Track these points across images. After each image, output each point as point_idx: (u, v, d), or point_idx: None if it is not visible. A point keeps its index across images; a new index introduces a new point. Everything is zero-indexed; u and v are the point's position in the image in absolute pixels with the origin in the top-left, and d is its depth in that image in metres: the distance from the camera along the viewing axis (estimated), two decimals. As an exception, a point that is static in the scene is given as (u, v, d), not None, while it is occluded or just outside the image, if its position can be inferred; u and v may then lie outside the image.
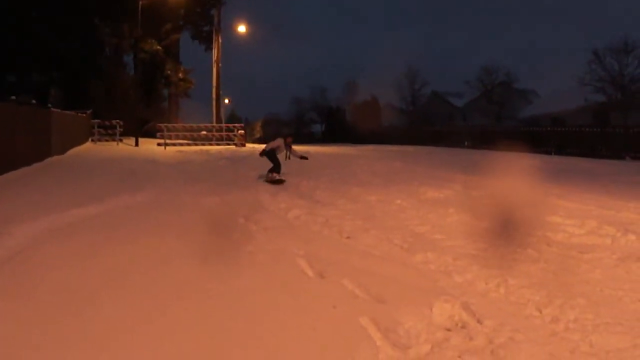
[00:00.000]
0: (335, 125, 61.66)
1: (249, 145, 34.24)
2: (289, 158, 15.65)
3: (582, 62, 45.17)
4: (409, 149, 34.84)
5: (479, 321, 4.88)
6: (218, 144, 33.29)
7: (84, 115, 30.86)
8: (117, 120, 31.75)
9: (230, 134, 34.39)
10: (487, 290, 5.79)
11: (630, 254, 7.12)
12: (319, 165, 19.41)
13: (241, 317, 4.91)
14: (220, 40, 40.80)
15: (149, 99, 41.35)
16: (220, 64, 40.60)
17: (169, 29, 43.44)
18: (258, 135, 62.12)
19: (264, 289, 5.70)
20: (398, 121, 61.84)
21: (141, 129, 34.04)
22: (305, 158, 15.93)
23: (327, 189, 13.06)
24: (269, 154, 15.13)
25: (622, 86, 42.23)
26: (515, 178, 15.73)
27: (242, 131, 34.42)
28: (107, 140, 31.82)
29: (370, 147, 37.85)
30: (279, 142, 15.46)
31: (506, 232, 8.43)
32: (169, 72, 44.46)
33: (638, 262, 6.71)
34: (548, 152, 29.97)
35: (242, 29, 42.02)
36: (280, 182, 14.59)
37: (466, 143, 39.17)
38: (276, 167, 15.06)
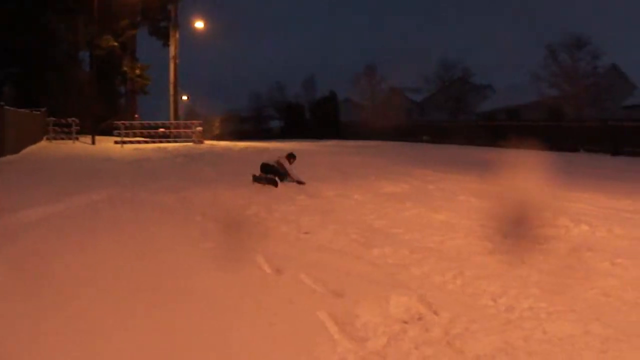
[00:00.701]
0: (295, 121, 61.58)
1: (208, 142, 34.01)
2: (282, 180, 13.52)
3: (537, 57, 45.82)
4: (368, 144, 34.97)
5: (435, 313, 4.93)
6: (176, 141, 33.00)
7: (39, 113, 30.33)
8: (73, 119, 31.27)
9: (189, 130, 34.14)
10: (443, 283, 5.84)
11: (582, 243, 7.28)
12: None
13: (196, 314, 4.89)
14: (177, 36, 40.43)
15: (105, 96, 40.76)
16: (178, 60, 40.22)
17: (125, 24, 42.89)
18: (217, 132, 61.65)
19: (220, 285, 5.68)
20: (357, 116, 61.97)
21: (98, 127, 33.57)
22: (303, 183, 13.55)
23: (285, 184, 13.05)
24: (275, 171, 13.54)
25: (576, 81, 42.96)
26: (472, 171, 15.94)
27: (200, 128, 34.18)
28: (63, 139, 31.27)
29: (330, 142, 37.91)
30: (286, 161, 13.96)
31: (463, 225, 8.55)
32: (125, 68, 43.94)
33: (590, 252, 6.87)
34: (505, 146, 30.31)
35: (199, 24, 41.73)
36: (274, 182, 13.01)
37: (425, 138, 39.43)
38: (283, 179, 13.46)
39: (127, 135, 31.30)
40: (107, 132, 34.53)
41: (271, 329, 4.60)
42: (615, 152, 25.13)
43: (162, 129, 34.27)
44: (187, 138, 33.60)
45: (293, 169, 13.87)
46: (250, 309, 5.02)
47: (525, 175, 14.18)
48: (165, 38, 43.71)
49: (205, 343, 4.32)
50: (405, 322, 4.76)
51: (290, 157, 14.07)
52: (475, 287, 5.66)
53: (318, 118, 58.66)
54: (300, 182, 13.44)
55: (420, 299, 5.17)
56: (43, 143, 29.44)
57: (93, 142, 30.51)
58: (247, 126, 63.38)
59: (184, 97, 60.31)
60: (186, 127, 34.80)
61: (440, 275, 6.02)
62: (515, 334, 4.51)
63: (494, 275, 6.00)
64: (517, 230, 8.13)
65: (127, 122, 32.52)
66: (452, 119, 54.22)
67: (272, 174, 13.32)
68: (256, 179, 13.38)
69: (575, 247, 7.14)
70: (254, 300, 5.23)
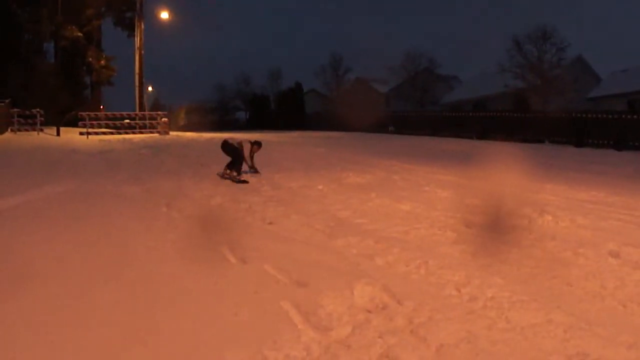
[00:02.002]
0: (260, 112, 61.44)
1: (173, 133, 33.78)
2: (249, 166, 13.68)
3: (502, 49, 46.09)
4: (333, 134, 35.00)
5: (399, 302, 4.93)
6: (141, 132, 32.71)
7: (3, 104, 29.82)
8: (38, 110, 30.78)
9: (154, 122, 33.85)
10: (407, 272, 5.85)
11: (545, 233, 7.36)
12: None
13: (159, 304, 4.85)
14: (142, 27, 39.95)
15: (70, 88, 40.24)
16: (143, 51, 39.77)
17: (90, 14, 42.39)
18: (182, 123, 61.26)
19: (184, 276, 5.63)
20: (322, 107, 61.98)
21: (63, 118, 33.15)
22: (258, 172, 13.71)
23: (249, 175, 13.00)
24: (233, 151, 13.14)
25: (541, 72, 43.35)
26: (437, 162, 16.02)
27: (166, 119, 33.92)
28: (27, 130, 30.77)
29: (295, 133, 37.88)
30: (248, 147, 13.67)
31: (428, 215, 8.58)
32: (90, 59, 43.42)
33: (553, 241, 6.95)
34: (471, 137, 30.55)
35: (164, 15, 41.35)
36: (244, 182, 12.39)
37: (391, 128, 39.55)
38: (237, 164, 12.92)
39: (92, 126, 30.95)
40: (72, 124, 34.14)
41: (235, 319, 4.57)
42: (580, 144, 25.43)
43: (127, 120, 33.96)
44: (152, 129, 33.32)
45: (253, 156, 13.82)
46: (215, 299, 4.98)
47: (490, 166, 14.31)
48: (130, 29, 43.31)
49: (167, 333, 4.28)
50: (369, 312, 4.76)
51: (255, 144, 13.86)
52: (439, 276, 5.67)
53: (283, 109, 58.61)
54: (254, 170, 13.63)
55: (384, 288, 5.16)
56: (7, 135, 28.98)
57: (58, 134, 30.10)
58: (213, 117, 62.84)
59: (150, 88, 59.93)
60: (151, 118, 34.48)
61: (405, 265, 6.03)
62: (478, 323, 4.53)
63: (457, 265, 6.03)
64: (481, 221, 8.19)
65: (92, 113, 32.16)
66: (418, 109, 54.39)
67: (229, 154, 13.14)
68: (222, 176, 12.95)
69: (538, 237, 7.20)
70: (218, 291, 5.20)
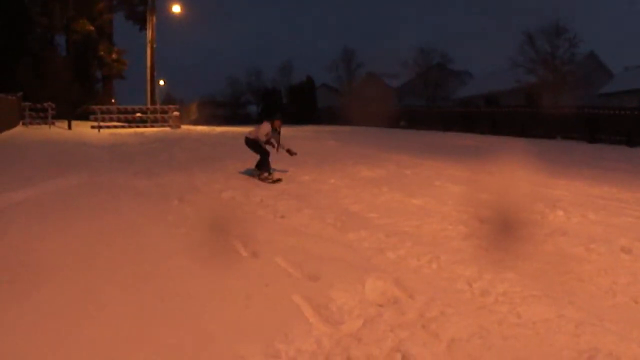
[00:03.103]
0: (272, 106, 61.45)
1: (185, 127, 33.81)
2: (277, 150, 12.19)
3: (515, 44, 45.88)
4: (345, 129, 34.96)
5: (410, 296, 4.94)
6: (153, 126, 32.71)
7: (14, 98, 29.89)
8: (49, 103, 30.83)
9: (165, 115, 33.86)
10: (419, 267, 5.86)
11: (557, 229, 7.33)
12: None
13: (170, 298, 4.87)
14: (154, 21, 39.98)
15: (81, 81, 40.30)
16: (154, 45, 39.81)
17: (102, 8, 42.46)
18: (194, 117, 61.30)
19: (195, 269, 5.64)
20: (334, 102, 61.90)
21: (74, 112, 33.18)
22: (294, 153, 12.32)
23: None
24: (253, 145, 11.95)
25: (554, 67, 43.19)
26: (448, 157, 15.99)
27: (177, 113, 33.91)
28: (39, 124, 30.81)
29: (307, 127, 37.83)
30: (266, 127, 11.91)
31: (439, 210, 8.57)
32: (102, 53, 43.48)
33: (564, 237, 6.93)
34: (482, 132, 30.45)
35: (176, 9, 41.28)
36: (278, 181, 11.45)
37: (402, 123, 39.48)
38: (264, 162, 11.79)
39: (103, 120, 30.95)
40: (84, 117, 34.14)
41: (247, 312, 4.60)
42: (592, 140, 25.31)
43: (138, 114, 33.97)
44: (164, 123, 33.33)
45: (279, 135, 12.25)
46: (226, 292, 5.00)
47: (502, 161, 14.25)
48: (142, 22, 43.33)
49: (180, 326, 4.31)
50: (381, 306, 4.78)
51: (276, 119, 12.21)
52: (450, 271, 5.68)
53: (295, 103, 58.55)
54: (291, 152, 12.22)
55: (396, 282, 5.18)
56: (19, 128, 29.06)
57: (69, 127, 30.17)
58: (225, 111, 62.91)
59: (161, 82, 60.02)
60: (163, 112, 34.48)
61: (416, 260, 6.03)
62: (490, 318, 4.54)
63: (469, 259, 6.02)
64: (493, 216, 8.17)
65: (103, 107, 32.20)
66: (430, 105, 54.26)
67: (252, 149, 12.01)
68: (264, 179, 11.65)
69: (550, 232, 7.19)
70: (230, 284, 5.21)
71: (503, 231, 7.32)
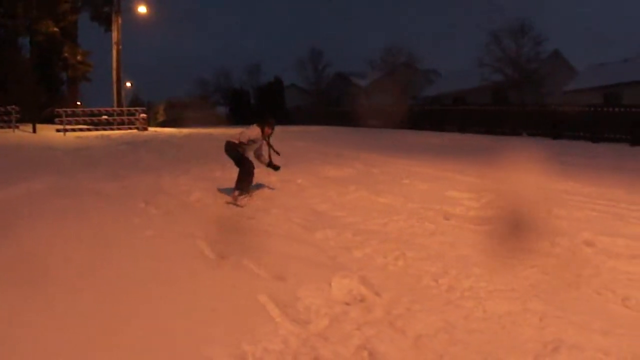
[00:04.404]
0: (240, 107, 61.26)
1: (152, 129, 33.61)
2: (267, 162, 10.36)
3: (482, 43, 46.40)
4: (313, 129, 34.94)
5: (377, 294, 4.96)
6: (119, 129, 32.40)
7: (-24, 101, 29.47)
8: (13, 106, 30.40)
9: (132, 117, 33.60)
10: (385, 264, 5.89)
11: (523, 224, 7.41)
12: (220, 148, 19.20)
13: (138, 299, 4.85)
14: (120, 22, 39.58)
15: (46, 84, 39.77)
16: (120, 46, 39.40)
17: (66, 9, 41.85)
18: (161, 119, 60.98)
19: (163, 272, 5.63)
20: (302, 102, 61.98)
21: (39, 115, 32.77)
22: (276, 168, 10.39)
23: (228, 169, 12.91)
24: (236, 153, 9.80)
25: (519, 66, 43.72)
26: (416, 155, 16.07)
27: (144, 115, 33.67)
28: (2, 128, 30.38)
29: (275, 127, 37.74)
30: (255, 132, 9.88)
31: (406, 207, 8.61)
32: (66, 54, 42.87)
33: (530, 232, 6.99)
34: (450, 130, 30.66)
35: (142, 9, 40.95)
36: (239, 206, 9.14)
37: (371, 122, 39.57)
38: (245, 180, 9.57)
39: (69, 123, 30.63)
40: (49, 120, 33.69)
41: (213, 313, 4.58)
42: (556, 136, 25.61)
43: (105, 117, 33.65)
44: (130, 125, 33.06)
45: (269, 144, 10.26)
46: (193, 294, 4.99)
47: (468, 158, 14.39)
48: (107, 23, 42.76)
49: (146, 328, 4.28)
50: (347, 304, 4.79)
51: (268, 124, 10.10)
52: (416, 268, 5.72)
53: (263, 103, 58.45)
54: (273, 166, 10.38)
55: (362, 280, 5.19)
56: (-19, 132, 28.65)
57: (34, 131, 29.78)
58: (193, 112, 62.67)
59: (128, 84, 59.56)
60: (130, 114, 34.20)
61: (383, 257, 6.07)
62: (455, 313, 4.58)
63: (435, 256, 6.08)
64: (459, 212, 8.24)
65: (69, 110, 31.85)
66: (398, 103, 54.50)
67: (233, 158, 9.87)
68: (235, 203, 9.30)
69: (515, 227, 7.27)
70: (197, 286, 5.20)
71: (469, 227, 7.39)
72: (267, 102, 57.01)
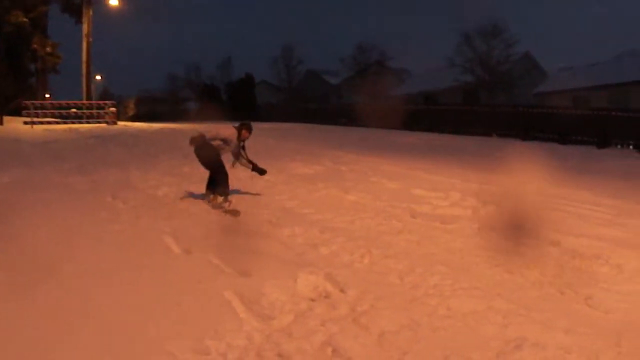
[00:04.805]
0: (211, 103, 60.90)
1: (121, 123, 33.30)
2: (234, 165, 9.22)
3: (454, 43, 46.58)
4: (284, 126, 34.89)
5: (342, 291, 4.97)
6: (88, 122, 32.07)
7: (-59, 92, 28.97)
8: (-21, 98, 30.00)
9: (102, 111, 33.25)
10: (351, 261, 5.91)
11: (488, 223, 7.46)
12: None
13: (103, 295, 4.80)
14: (90, 13, 39.10)
15: (14, 75, 39.22)
16: (91, 39, 38.95)
17: (37, 0, 41.37)
18: (131, 113, 60.43)
19: (128, 266, 5.59)
20: (274, 99, 61.82)
21: (6, 107, 32.33)
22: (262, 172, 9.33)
23: (197, 165, 12.81)
24: (208, 153, 8.79)
25: (490, 67, 44.02)
26: (385, 154, 16.10)
27: (114, 108, 33.34)
28: (-32, 120, 30.01)
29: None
30: (230, 131, 8.94)
31: (373, 205, 8.63)
32: (36, 46, 42.34)
33: (495, 231, 7.06)
34: (420, 129, 30.78)
35: (114, 1, 40.50)
36: (235, 213, 8.23)
37: (342, 120, 39.60)
38: (222, 181, 8.69)
39: (37, 115, 30.21)
40: (16, 113, 33.26)
41: (178, 309, 4.56)
42: (526, 137, 25.83)
43: (74, 110, 33.25)
44: (100, 119, 32.71)
45: (244, 148, 9.34)
46: (157, 290, 4.95)
47: (438, 157, 14.47)
48: (78, 15, 42.21)
49: (110, 323, 4.24)
50: (313, 300, 4.79)
51: (243, 127, 9.13)
52: (382, 265, 5.75)
53: (234, 100, 58.15)
54: (257, 169, 9.33)
55: (328, 277, 5.20)
56: (-54, 125, 28.22)
57: (1, 123, 29.40)
58: (163, 107, 62.18)
59: (98, 77, 59.00)
60: (99, 107, 33.84)
61: (349, 254, 6.09)
62: (420, 310, 4.61)
63: (401, 254, 6.11)
64: (426, 210, 8.28)
65: (37, 102, 31.46)
66: (369, 102, 54.60)
67: (203, 161, 8.89)
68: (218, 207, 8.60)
69: (482, 226, 7.33)
70: (162, 281, 5.17)
71: (435, 226, 7.43)
72: (238, 98, 56.74)
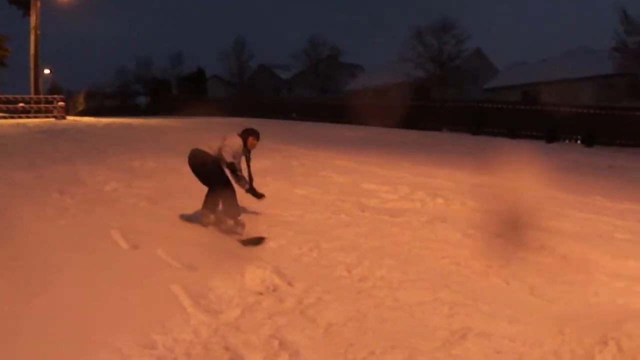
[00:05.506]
0: (161, 97, 60.26)
1: (70, 118, 32.79)
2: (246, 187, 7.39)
3: (405, 39, 46.91)
4: (235, 120, 34.70)
5: (290, 284, 4.99)
6: (37, 117, 31.50)
7: None
8: None
9: (50, 106, 32.68)
10: (300, 255, 5.93)
11: (437, 216, 7.58)
12: (137, 137, 18.96)
13: (49, 290, 4.73)
14: (39, 5, 38.36)
15: (-41, 69, 38.41)
16: (39, 32, 38.20)
17: (-17, -9, 40.45)
18: (81, 108, 59.53)
19: (75, 262, 5.51)
20: (225, 93, 61.47)
21: (-50, 102, 31.62)
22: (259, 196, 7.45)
23: (146, 159, 12.71)
24: (208, 167, 7.18)
25: (441, 63, 44.48)
26: (335, 148, 16.15)
27: (63, 103, 32.82)
28: None
29: (197, 119, 37.32)
30: (237, 142, 7.29)
31: (322, 199, 8.66)
32: (-20, 38, 41.49)
33: (444, 224, 7.17)
34: (372, 124, 30.92)
35: (62, -7, 39.86)
36: (258, 241, 6.41)
37: (293, 115, 39.59)
38: (233, 201, 7.03)
39: (-17, 110, 29.63)
40: (-38, 108, 32.58)
41: (124, 303, 4.52)
42: (476, 132, 26.15)
43: (21, 104, 32.63)
44: (48, 113, 32.15)
45: (249, 161, 7.66)
46: (104, 285, 4.89)
47: (387, 152, 14.56)
48: (25, 8, 41.35)
49: (55, 319, 4.18)
50: (260, 294, 4.80)
51: (250, 134, 7.61)
52: (330, 258, 5.77)
53: (185, 94, 57.64)
54: (254, 192, 7.47)
55: (276, 270, 5.22)
56: None
57: (-55, 118, 28.72)
58: (113, 102, 61.37)
59: (47, 71, 57.83)
60: (48, 102, 33.26)
61: (297, 248, 6.11)
62: (367, 302, 4.65)
63: (350, 247, 6.15)
64: (374, 204, 8.34)
65: (-17, 97, 30.80)
66: (321, 97, 54.64)
67: (203, 177, 7.32)
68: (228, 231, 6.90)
69: (430, 219, 7.41)
70: (109, 276, 5.11)
71: (384, 219, 7.48)
72: (189, 92, 56.27)
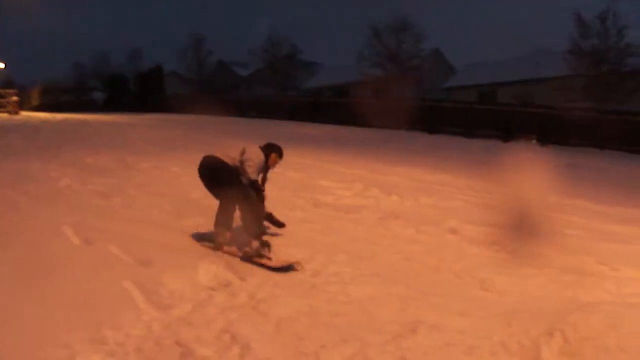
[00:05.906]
0: (118, 93, 59.55)
1: (24, 114, 32.27)
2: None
3: (363, 37, 47.00)
4: (192, 118, 34.53)
5: (242, 279, 5.01)
6: (-11, 112, 31.04)
7: None
8: None
9: (3, 100, 32.14)
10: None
11: (391, 213, 7.66)
12: (95, 134, 18.75)
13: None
14: (-9, 0, 37.77)
15: None
16: (-9, 26, 37.62)
17: None
18: (35, 103, 58.50)
19: (26, 259, 5.43)
20: (183, 90, 60.93)
21: None
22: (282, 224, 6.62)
23: (101, 156, 12.58)
24: (224, 179, 6.24)
25: (399, 62, 44.70)
26: (290, 145, 16.14)
27: (16, 98, 32.30)
28: None
29: (154, 116, 37.00)
30: (259, 156, 6.48)
31: (278, 195, 8.67)
32: None
33: (397, 220, 7.25)
34: (329, 122, 31.00)
35: (16, -13, 39.21)
36: (291, 267, 5.44)
37: (252, 113, 39.49)
38: (256, 218, 6.10)
39: None
40: None
41: (75, 299, 4.46)
42: (432, 130, 26.38)
43: (-27, 99, 32.11)
44: (1, 109, 31.62)
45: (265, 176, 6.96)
46: (56, 280, 4.84)
47: (343, 149, 14.63)
48: (-22, 0, 40.77)
49: (3, 316, 4.11)
50: (213, 289, 4.79)
51: (272, 149, 6.93)
52: (284, 254, 5.81)
53: (143, 91, 57.04)
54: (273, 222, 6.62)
55: (228, 266, 5.23)
56: None
57: None
58: (69, 97, 60.39)
59: (0, 65, 56.83)
60: (0, 97, 32.71)
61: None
62: (319, 297, 4.69)
63: (304, 243, 6.20)
64: (329, 201, 8.39)
65: None
66: (279, 94, 54.52)
67: (219, 192, 6.29)
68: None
69: (383, 216, 7.49)
70: (60, 272, 5.04)
71: (338, 215, 7.54)
72: (147, 89, 55.72)
